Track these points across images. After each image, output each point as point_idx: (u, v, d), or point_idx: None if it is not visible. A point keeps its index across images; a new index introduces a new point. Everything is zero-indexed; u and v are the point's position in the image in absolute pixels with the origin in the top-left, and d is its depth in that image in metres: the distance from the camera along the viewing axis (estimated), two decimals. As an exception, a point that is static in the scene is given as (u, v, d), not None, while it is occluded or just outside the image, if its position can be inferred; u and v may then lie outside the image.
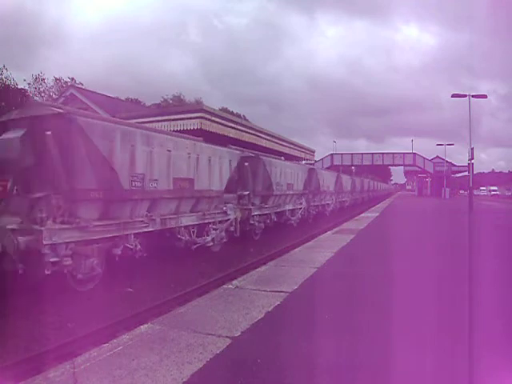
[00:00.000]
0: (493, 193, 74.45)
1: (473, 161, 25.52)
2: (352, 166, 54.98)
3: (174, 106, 29.48)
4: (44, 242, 5.71)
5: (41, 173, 6.24)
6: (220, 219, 10.25)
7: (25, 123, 6.46)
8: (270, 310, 4.36)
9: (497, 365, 2.81)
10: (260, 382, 2.83)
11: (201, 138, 9.89)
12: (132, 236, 7.31)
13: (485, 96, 27.14)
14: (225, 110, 37.34)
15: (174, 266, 8.31)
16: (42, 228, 5.76)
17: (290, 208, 16.05)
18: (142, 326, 3.90)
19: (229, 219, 10.57)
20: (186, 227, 8.87)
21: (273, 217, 13.97)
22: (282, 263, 7.23)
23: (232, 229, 10.77)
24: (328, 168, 44.38)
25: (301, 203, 17.31)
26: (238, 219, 11.11)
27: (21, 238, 5.70)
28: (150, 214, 7.72)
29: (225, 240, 10.47)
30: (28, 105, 7.54)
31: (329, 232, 12.65)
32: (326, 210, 22.25)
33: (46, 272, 5.78)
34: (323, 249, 8.77)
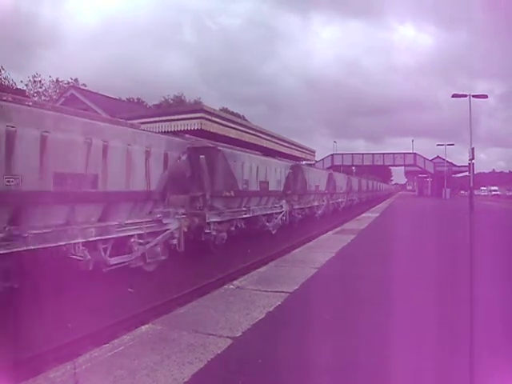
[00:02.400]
0: (493, 193, 74.33)
1: (473, 161, 25.56)
2: (352, 166, 55.04)
3: (175, 107, 29.50)
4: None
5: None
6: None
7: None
8: (270, 310, 4.36)
9: (498, 365, 2.80)
10: (261, 382, 2.83)
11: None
12: (238, 220, 11.41)
13: (485, 96, 27.21)
14: (225, 110, 37.35)
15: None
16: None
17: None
18: (142, 327, 3.90)
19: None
20: (264, 215, 13.39)
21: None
22: (283, 263, 7.23)
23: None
24: (328, 168, 44.26)
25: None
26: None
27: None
28: (248, 205, 12.01)
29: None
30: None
31: (330, 232, 12.65)
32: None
33: (203, 238, 9.56)
34: (324, 249, 8.77)
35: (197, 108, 17.34)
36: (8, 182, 5.12)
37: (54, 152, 5.69)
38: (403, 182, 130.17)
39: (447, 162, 50.59)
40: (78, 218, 6.24)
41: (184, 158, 8.99)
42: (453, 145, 54.61)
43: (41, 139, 5.52)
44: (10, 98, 5.43)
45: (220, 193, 10.44)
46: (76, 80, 33.63)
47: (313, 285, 5.55)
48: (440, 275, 5.97)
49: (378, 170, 72.16)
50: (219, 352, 3.23)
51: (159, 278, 7.56)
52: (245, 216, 11.88)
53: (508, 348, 3.09)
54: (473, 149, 24.99)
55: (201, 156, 9.78)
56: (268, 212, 13.72)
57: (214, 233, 10.10)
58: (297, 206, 16.39)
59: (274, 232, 13.85)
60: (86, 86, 30.86)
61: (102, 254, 6.71)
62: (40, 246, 5.57)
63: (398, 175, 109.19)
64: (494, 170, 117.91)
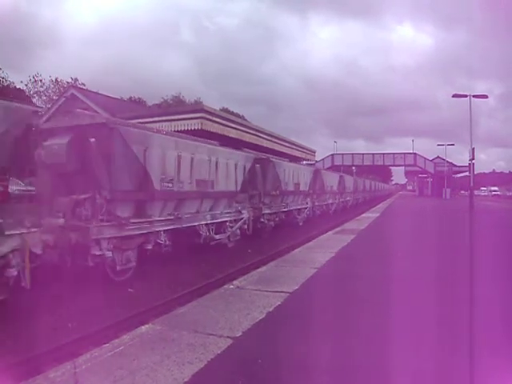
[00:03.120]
0: (493, 193, 74.27)
1: (473, 161, 25.54)
2: (353, 166, 54.99)
3: (175, 107, 29.49)
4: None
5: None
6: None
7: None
8: (270, 310, 4.36)
9: (498, 365, 2.80)
10: (261, 382, 2.83)
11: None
12: (280, 213, 14.89)
13: (485, 96, 27.24)
14: (225, 110, 37.35)
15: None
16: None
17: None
18: (142, 327, 3.90)
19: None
20: (295, 209, 16.89)
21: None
22: (283, 264, 7.23)
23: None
24: (328, 168, 44.25)
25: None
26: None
27: None
28: (287, 202, 15.80)
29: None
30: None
31: (330, 232, 12.65)
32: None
33: (258, 226, 12.95)
34: (324, 249, 8.77)
35: (197, 108, 17.35)
36: (178, 185, 8.55)
37: (196, 166, 9.19)
38: (403, 182, 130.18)
39: (447, 162, 50.56)
40: (202, 208, 9.77)
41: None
42: (453, 145, 54.64)
43: (191, 159, 9.01)
44: (182, 137, 9.33)
45: (269, 192, 13.83)
46: (76, 80, 33.69)
47: (313, 285, 5.55)
48: (440, 275, 5.97)
49: (378, 169, 72.13)
50: (219, 352, 3.23)
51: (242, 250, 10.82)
52: (284, 210, 15.35)
53: (508, 348, 3.09)
54: (473, 149, 24.98)
55: (256, 165, 12.99)
56: (298, 207, 17.27)
57: (266, 222, 13.46)
58: (317, 204, 20.25)
59: (300, 224, 17.00)
60: (84, 85, 30.88)
61: (212, 232, 10.09)
62: (187, 225, 9.00)
63: (398, 175, 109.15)
64: (494, 170, 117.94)
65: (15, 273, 5.50)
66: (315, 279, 5.92)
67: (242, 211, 11.57)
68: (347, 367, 3.02)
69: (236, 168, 11.27)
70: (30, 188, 6.28)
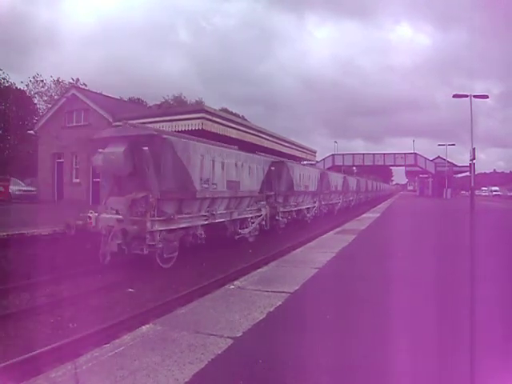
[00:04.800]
0: (494, 193, 74.17)
1: (474, 161, 25.49)
2: (353, 166, 54.98)
3: (176, 107, 29.50)
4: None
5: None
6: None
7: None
8: (271, 310, 4.36)
9: (498, 366, 2.80)
10: (261, 383, 2.83)
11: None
12: (323, 205, 23.53)
13: (486, 96, 27.20)
14: (224, 110, 37.35)
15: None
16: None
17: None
18: (143, 327, 3.90)
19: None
20: (331, 204, 26.02)
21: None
22: (284, 264, 7.23)
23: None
24: (329, 168, 44.19)
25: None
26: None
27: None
28: (329, 197, 25.82)
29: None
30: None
31: (331, 232, 12.65)
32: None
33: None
34: (324, 249, 8.76)
35: (198, 108, 17.37)
36: (302, 187, 18.39)
37: (310, 178, 19.98)
38: (404, 182, 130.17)
39: (448, 162, 50.50)
40: (305, 199, 19.14)
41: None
42: (454, 145, 54.59)
43: (308, 175, 19.65)
44: (300, 164, 23.02)
45: (323, 191, 22.43)
46: (77, 80, 33.72)
47: (313, 285, 5.55)
48: (440, 275, 5.96)
49: (379, 170, 72.13)
50: (220, 352, 3.23)
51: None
52: (328, 202, 24.21)
53: (509, 348, 3.09)
54: (474, 149, 24.94)
55: (315, 175, 21.34)
56: (333, 202, 25.69)
57: (308, 214, 20.28)
58: (345, 200, 28.95)
59: (329, 214, 24.09)
60: (86, 85, 30.91)
61: (306, 212, 19.33)
62: (301, 208, 18.42)
63: (399, 175, 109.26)
64: (495, 170, 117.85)
65: (264, 222, 13.16)
66: (316, 279, 5.92)
67: (316, 202, 20.98)
68: (347, 367, 3.02)
69: (314, 178, 20.80)
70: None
